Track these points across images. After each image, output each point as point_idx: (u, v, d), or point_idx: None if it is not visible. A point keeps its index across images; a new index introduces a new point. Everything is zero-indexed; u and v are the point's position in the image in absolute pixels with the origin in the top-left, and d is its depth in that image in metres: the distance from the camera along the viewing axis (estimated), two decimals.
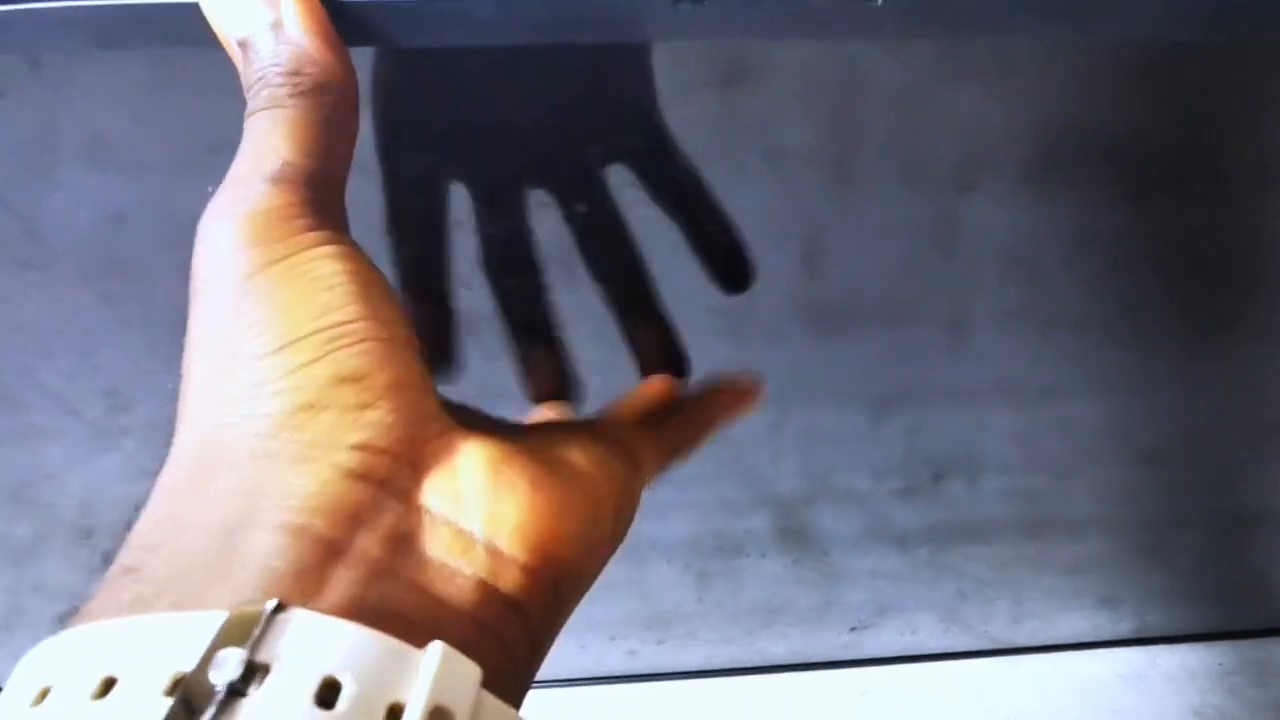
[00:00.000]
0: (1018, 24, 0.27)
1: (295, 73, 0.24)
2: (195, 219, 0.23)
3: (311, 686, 0.17)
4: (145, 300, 0.44)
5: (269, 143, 0.24)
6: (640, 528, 0.61)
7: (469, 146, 0.36)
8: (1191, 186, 0.46)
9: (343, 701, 0.17)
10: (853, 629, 0.60)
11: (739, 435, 0.52)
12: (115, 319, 0.44)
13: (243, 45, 0.25)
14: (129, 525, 0.21)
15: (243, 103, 0.25)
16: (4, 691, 0.18)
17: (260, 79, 0.24)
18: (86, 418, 0.47)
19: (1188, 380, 0.52)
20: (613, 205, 0.36)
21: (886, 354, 0.50)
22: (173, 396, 0.47)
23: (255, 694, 0.17)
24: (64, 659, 0.18)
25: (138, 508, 0.21)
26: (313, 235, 0.23)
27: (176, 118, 0.39)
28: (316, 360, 0.21)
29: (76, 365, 0.46)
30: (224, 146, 0.24)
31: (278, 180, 0.23)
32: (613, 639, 0.59)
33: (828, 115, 0.43)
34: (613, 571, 0.64)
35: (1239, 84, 0.44)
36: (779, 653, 0.61)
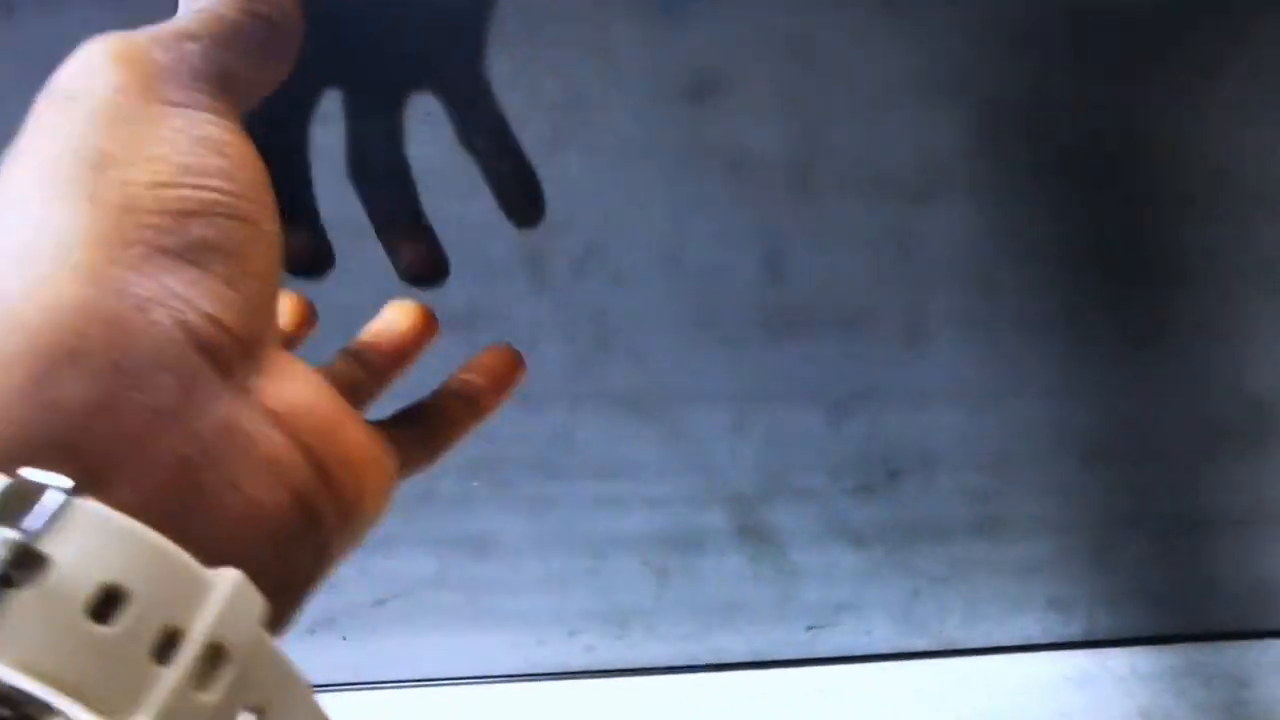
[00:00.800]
0: None
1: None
2: None
3: (89, 593, 0.15)
4: None
5: (181, 18, 0.22)
6: (600, 523, 0.61)
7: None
8: (1138, 191, 0.47)
9: (119, 619, 0.15)
10: (810, 628, 0.60)
11: (700, 433, 0.53)
12: None
13: None
14: None
15: None
16: None
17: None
18: None
19: (1137, 383, 0.53)
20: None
21: (845, 356, 0.50)
22: None
23: (27, 590, 0.15)
24: None
25: None
26: (211, 102, 0.21)
27: None
28: (198, 215, 0.20)
29: None
30: None
31: (180, 36, 0.21)
32: (571, 634, 0.59)
33: (792, 128, 0.44)
34: (571, 565, 0.65)
35: (1186, 94, 0.45)
36: (737, 650, 0.61)
